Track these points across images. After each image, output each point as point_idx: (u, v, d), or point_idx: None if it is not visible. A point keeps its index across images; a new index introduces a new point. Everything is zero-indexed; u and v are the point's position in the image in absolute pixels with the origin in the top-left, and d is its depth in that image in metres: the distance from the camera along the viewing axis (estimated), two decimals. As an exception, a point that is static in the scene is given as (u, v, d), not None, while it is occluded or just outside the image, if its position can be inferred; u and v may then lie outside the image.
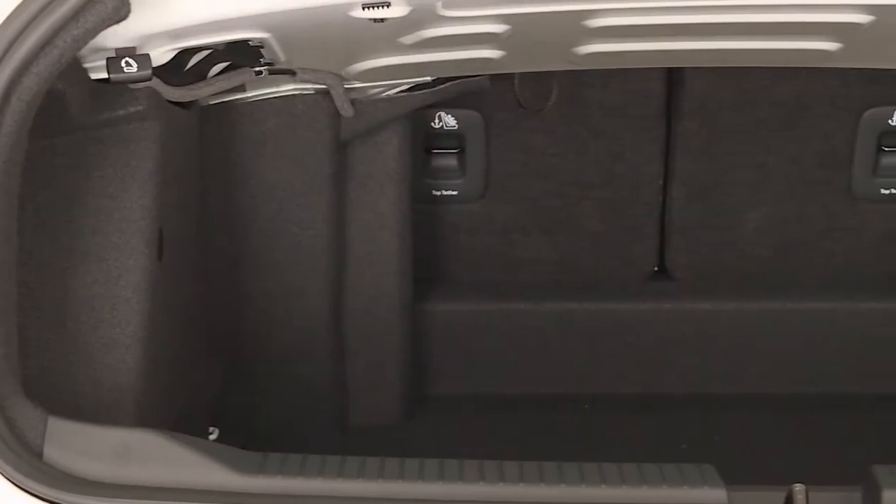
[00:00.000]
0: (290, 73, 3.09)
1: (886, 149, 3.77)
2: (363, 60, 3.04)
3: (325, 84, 3.20)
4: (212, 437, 3.26)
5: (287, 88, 3.25)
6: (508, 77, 3.60)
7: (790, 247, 3.87)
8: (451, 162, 3.83)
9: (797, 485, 2.36)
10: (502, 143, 3.81)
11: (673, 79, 3.74)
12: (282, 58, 2.91)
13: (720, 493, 2.30)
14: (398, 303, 3.65)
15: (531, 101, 3.70)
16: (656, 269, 3.94)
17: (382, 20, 2.59)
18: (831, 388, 3.82)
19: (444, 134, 3.80)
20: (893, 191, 3.81)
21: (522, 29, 2.78)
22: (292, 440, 3.32)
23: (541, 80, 3.67)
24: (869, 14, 2.68)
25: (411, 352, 3.74)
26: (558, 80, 3.68)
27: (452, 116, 3.77)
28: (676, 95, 3.75)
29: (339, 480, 2.30)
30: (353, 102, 3.31)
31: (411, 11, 2.58)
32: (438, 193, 3.86)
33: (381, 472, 2.33)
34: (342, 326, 3.60)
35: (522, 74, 3.59)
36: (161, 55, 2.60)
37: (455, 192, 3.86)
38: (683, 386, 3.87)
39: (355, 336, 3.63)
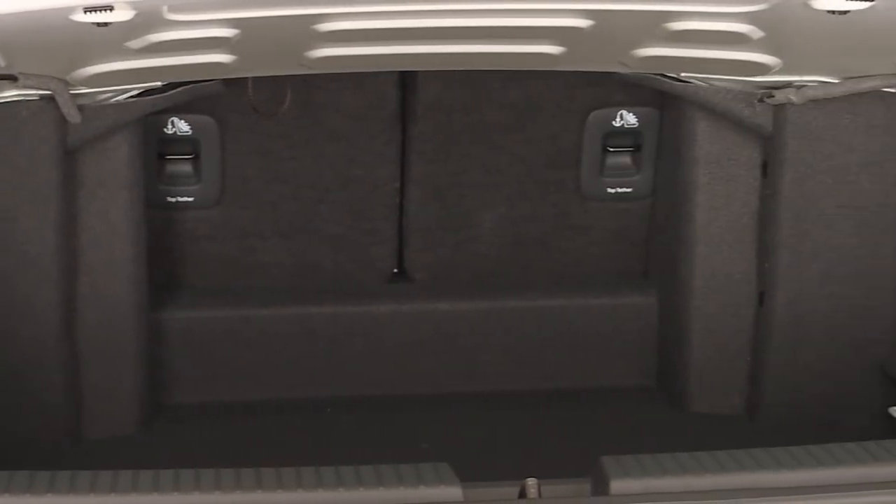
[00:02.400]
0: (11, 79, 3.00)
1: (611, 149, 3.89)
2: (89, 65, 2.98)
3: (49, 90, 3.12)
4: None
5: (9, 94, 3.15)
6: (242, 81, 3.57)
7: (523, 246, 3.96)
8: (186, 168, 3.78)
9: (530, 479, 2.42)
10: (238, 147, 3.78)
11: (406, 82, 3.77)
12: (2, 63, 2.82)
13: (455, 491, 2.34)
14: (134, 311, 3.58)
15: (265, 105, 3.69)
16: (395, 271, 3.98)
17: (106, 24, 2.54)
18: (564, 382, 3.92)
19: (178, 139, 3.75)
20: (619, 190, 3.93)
21: (252, 33, 2.77)
22: (24, 457, 3.22)
23: (275, 84, 3.65)
24: (588, 19, 2.76)
25: (149, 360, 3.67)
26: (292, 84, 3.67)
27: (185, 122, 3.72)
28: (410, 99, 3.79)
29: (70, 496, 2.24)
30: (80, 108, 3.23)
31: (136, 15, 2.54)
32: (174, 200, 3.80)
33: (113, 485, 2.28)
34: (76, 336, 3.51)
35: (256, 79, 3.56)
36: None
37: (191, 199, 3.81)
38: (424, 386, 3.91)
39: (90, 346, 3.54)
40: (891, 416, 3.55)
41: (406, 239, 3.92)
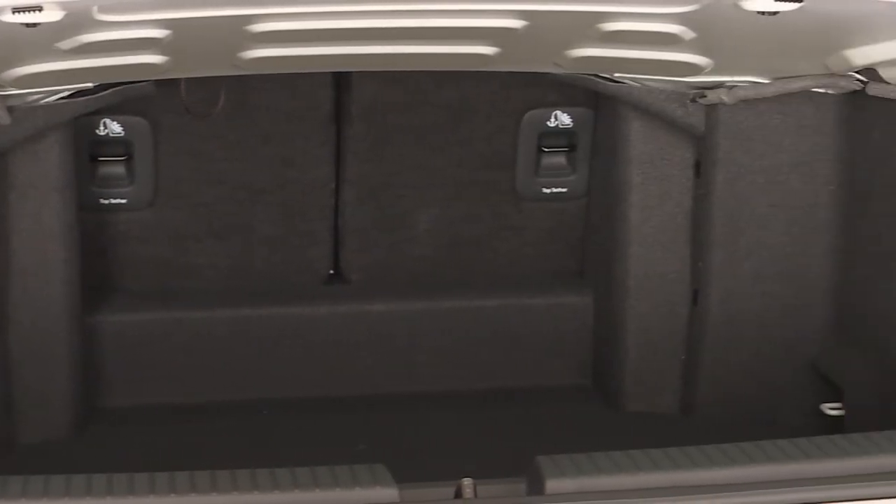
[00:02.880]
0: (-62, 80, 2.97)
1: (546, 150, 3.91)
2: (19, 66, 2.94)
3: (-24, 91, 3.09)
4: None
5: (-64, 96, 3.12)
6: (175, 82, 3.56)
7: (459, 246, 3.96)
8: (119, 169, 3.75)
9: (465, 479, 2.42)
10: (171, 149, 3.76)
11: (340, 83, 3.77)
12: (-71, 64, 2.79)
13: (391, 492, 2.34)
14: (66, 314, 3.55)
15: (199, 106, 3.66)
16: (331, 272, 3.97)
17: (35, 25, 2.51)
18: (500, 382, 3.94)
19: (110, 141, 3.72)
20: (554, 190, 3.95)
21: (184, 34, 2.75)
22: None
23: (208, 85, 3.63)
24: (522, 19, 2.77)
25: (82, 364, 3.64)
26: (226, 86, 3.66)
27: (118, 123, 3.69)
28: (344, 100, 3.78)
29: (2, 502, 2.21)
30: (10, 109, 3.20)
31: (66, 16, 2.51)
32: (106, 202, 3.77)
33: (45, 490, 2.26)
34: (8, 340, 3.47)
35: (189, 80, 3.55)
36: None
37: (124, 200, 3.78)
38: (360, 387, 3.90)
39: (22, 349, 3.51)
40: (823, 413, 3.58)
41: (342, 240, 3.92)
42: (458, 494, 2.41)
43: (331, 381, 3.89)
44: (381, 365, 3.92)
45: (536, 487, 2.39)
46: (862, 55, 3.05)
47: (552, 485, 2.37)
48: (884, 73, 3.13)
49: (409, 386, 3.92)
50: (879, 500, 2.32)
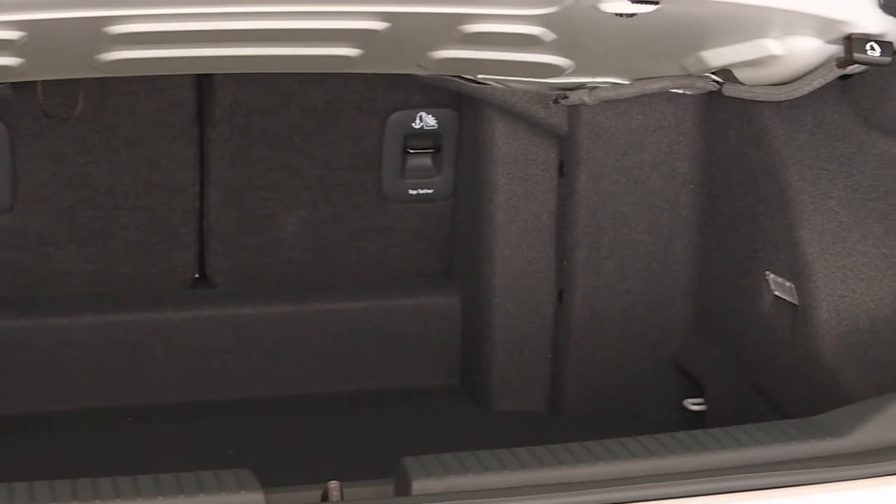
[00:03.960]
0: None
1: (412, 151, 3.92)
2: None
3: None
4: None
5: None
6: (32, 85, 3.49)
7: (326, 248, 3.96)
8: None
9: (332, 482, 2.41)
10: (30, 153, 3.69)
11: (203, 85, 3.74)
12: None
13: (257, 497, 2.32)
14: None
15: (57, 109, 3.60)
16: (196, 276, 3.93)
17: None
18: (369, 383, 3.94)
19: (-35, 145, 3.65)
20: (421, 191, 3.96)
21: (39, 36, 2.70)
22: None
23: (67, 87, 3.57)
24: (384, 21, 2.77)
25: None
26: (86, 88, 3.60)
27: (-27, 127, 3.62)
28: (207, 102, 3.75)
29: None
30: None
31: (-83, 18, 2.46)
32: None
33: None
34: None
35: (47, 82, 3.48)
36: None
37: None
38: (228, 391, 3.88)
39: None
40: (685, 408, 3.65)
41: (207, 243, 3.88)
42: (325, 497, 2.41)
43: (198, 386, 3.86)
44: (249, 369, 3.89)
45: (403, 488, 2.40)
46: (717, 57, 3.11)
47: (418, 485, 2.38)
48: (738, 74, 3.20)
49: (277, 389, 3.91)
50: (738, 493, 2.37)
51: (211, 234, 3.86)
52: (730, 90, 3.25)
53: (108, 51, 2.89)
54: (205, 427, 3.73)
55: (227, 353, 3.87)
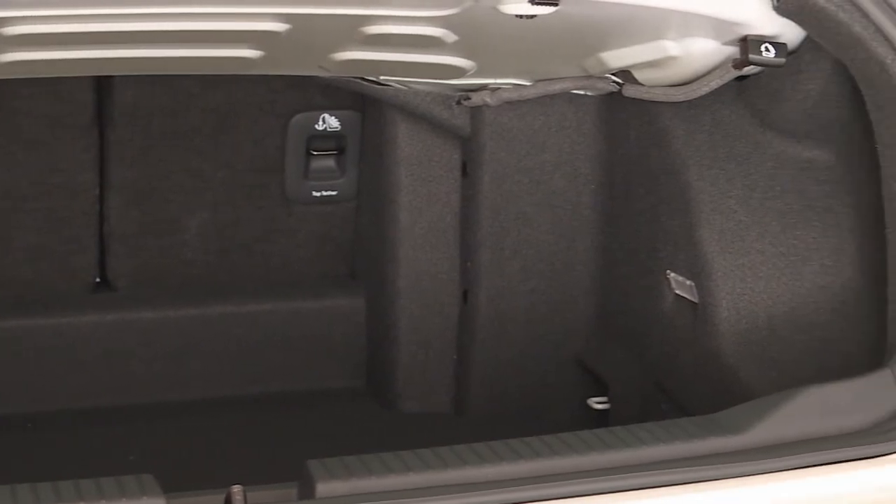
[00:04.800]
0: None
1: (315, 153, 3.91)
2: None
3: None
4: None
5: None
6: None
7: (230, 251, 3.93)
8: None
9: (235, 486, 2.40)
10: None
11: (102, 87, 3.70)
12: None
13: (159, 503, 2.30)
14: None
15: (-48, 112, 3.55)
16: (97, 280, 3.89)
17: None
18: (274, 386, 3.92)
19: None
20: (324, 193, 3.95)
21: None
22: None
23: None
24: (284, 23, 2.76)
25: None
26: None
27: None
28: (107, 104, 3.71)
29: None
30: None
31: None
32: None
33: None
34: None
35: (-58, 84, 3.43)
36: None
37: None
38: (131, 396, 3.84)
39: None
40: (590, 407, 3.67)
41: (108, 246, 3.84)
42: (228, 502, 2.39)
43: (100, 392, 3.81)
44: (153, 373, 3.85)
45: (307, 491, 2.40)
46: (616, 58, 3.14)
47: (322, 488, 2.37)
48: (638, 75, 3.23)
49: (182, 393, 3.87)
50: (640, 490, 2.39)
51: (112, 237, 3.82)
52: (630, 91, 3.28)
53: (4, 52, 2.85)
54: (107, 433, 3.69)
55: (130, 357, 3.83)
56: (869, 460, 2.49)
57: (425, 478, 2.42)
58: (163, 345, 3.85)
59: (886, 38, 2.59)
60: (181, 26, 2.73)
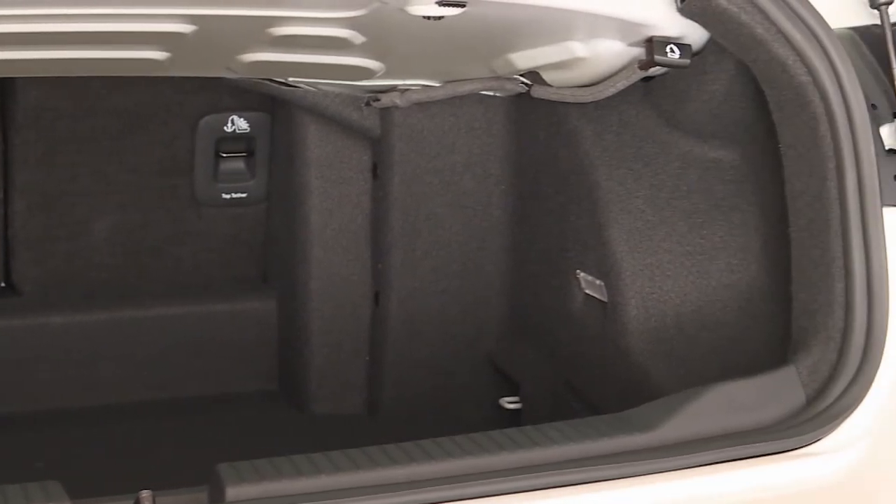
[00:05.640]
0: None
1: (224, 155, 3.88)
2: None
3: None
4: None
5: None
6: None
7: (139, 254, 3.89)
8: None
9: (144, 491, 2.38)
10: None
11: (5, 89, 3.64)
12: None
13: (65, 510, 2.28)
14: None
15: None
16: (2, 285, 3.83)
17: None
18: (186, 391, 3.89)
19: None
20: (234, 195, 3.93)
21: None
22: None
23: None
24: (191, 24, 2.74)
25: None
26: None
27: None
28: (10, 106, 3.66)
29: None
30: None
31: None
32: None
33: None
34: None
35: None
36: None
37: None
38: (40, 402, 3.79)
39: None
40: (502, 407, 3.69)
41: (13, 251, 3.79)
42: (137, 507, 2.37)
43: (6, 398, 3.76)
44: (61, 379, 3.80)
45: (217, 495, 2.38)
46: (524, 59, 3.16)
47: (232, 492, 2.36)
48: (546, 76, 3.25)
49: (91, 399, 3.83)
50: (550, 489, 2.40)
51: (17, 241, 3.77)
52: (538, 92, 3.29)
53: None
54: (14, 440, 3.63)
55: (38, 363, 3.78)
56: (774, 456, 2.53)
57: (336, 480, 2.41)
58: (71, 350, 3.81)
59: (787, 40, 2.63)
60: (86, 28, 2.70)
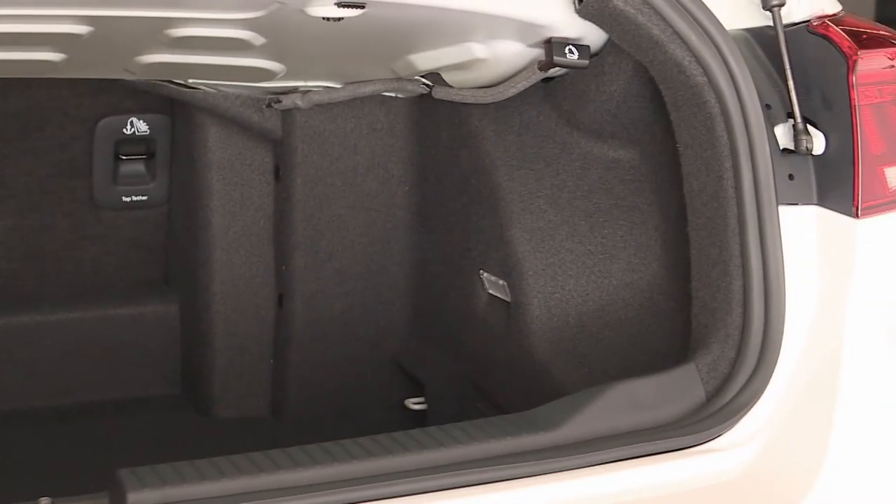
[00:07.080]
0: None
1: (124, 157, 3.84)
2: None
3: None
4: None
5: None
6: None
7: (37, 258, 3.84)
8: None
9: (44, 498, 2.35)
10: None
11: None
12: None
13: (-40, 519, 2.25)
14: None
15: None
16: None
17: None
18: (86, 396, 3.84)
19: None
20: (134, 198, 3.89)
21: None
22: None
23: None
24: (86, 25, 2.71)
25: None
26: None
27: None
28: None
29: None
30: None
31: None
32: None
33: None
34: None
35: None
36: None
37: None
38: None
39: None
40: (407, 408, 3.69)
41: None
42: (36, 514, 2.34)
43: None
44: (-43, 386, 3.75)
45: (118, 501, 2.36)
46: (425, 60, 3.16)
47: (133, 497, 2.34)
48: (447, 77, 3.25)
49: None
50: (452, 490, 2.41)
51: None
52: (439, 93, 3.30)
53: None
54: None
55: (-67, 370, 3.72)
56: (674, 453, 2.56)
57: (238, 484, 2.40)
58: None
59: (683, 41, 2.66)
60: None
